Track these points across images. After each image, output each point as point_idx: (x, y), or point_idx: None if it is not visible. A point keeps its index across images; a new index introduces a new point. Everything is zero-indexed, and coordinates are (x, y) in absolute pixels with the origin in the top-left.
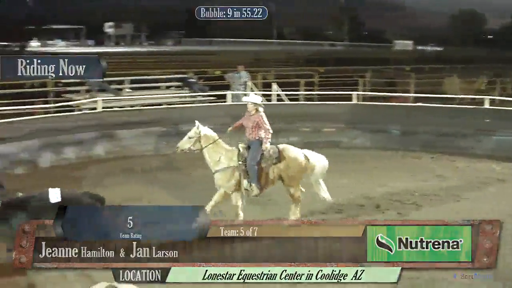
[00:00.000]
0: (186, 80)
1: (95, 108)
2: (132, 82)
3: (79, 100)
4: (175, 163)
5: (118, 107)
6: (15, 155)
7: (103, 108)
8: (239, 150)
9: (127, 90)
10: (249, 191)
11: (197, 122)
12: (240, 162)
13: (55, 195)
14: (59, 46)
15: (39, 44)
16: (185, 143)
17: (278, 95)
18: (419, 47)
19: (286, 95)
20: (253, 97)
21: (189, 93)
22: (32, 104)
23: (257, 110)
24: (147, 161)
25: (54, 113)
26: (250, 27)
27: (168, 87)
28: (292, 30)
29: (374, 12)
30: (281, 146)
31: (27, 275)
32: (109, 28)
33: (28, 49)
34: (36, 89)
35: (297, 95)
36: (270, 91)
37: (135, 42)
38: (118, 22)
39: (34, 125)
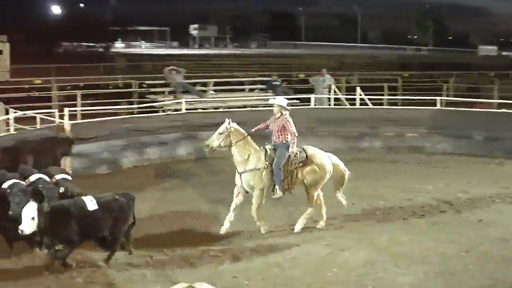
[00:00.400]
0: (270, 82)
1: (179, 110)
2: (216, 84)
3: (163, 101)
4: None
5: (201, 108)
6: (98, 154)
7: (186, 109)
8: (266, 151)
9: (211, 92)
10: (272, 193)
11: (227, 119)
12: (267, 163)
13: (91, 203)
14: (144, 48)
15: (123, 45)
16: (214, 140)
17: (361, 99)
18: (504, 53)
19: (370, 99)
20: (279, 100)
21: (273, 95)
22: (117, 105)
23: (282, 114)
24: (230, 162)
25: (138, 113)
26: (335, 30)
27: (252, 90)
28: (377, 34)
29: (459, 16)
30: (308, 150)
31: (107, 274)
32: (193, 30)
33: (113, 50)
34: (121, 90)
35: (381, 99)
36: (354, 95)
37: (219, 44)
38: (203, 24)
39: (118, 125)
